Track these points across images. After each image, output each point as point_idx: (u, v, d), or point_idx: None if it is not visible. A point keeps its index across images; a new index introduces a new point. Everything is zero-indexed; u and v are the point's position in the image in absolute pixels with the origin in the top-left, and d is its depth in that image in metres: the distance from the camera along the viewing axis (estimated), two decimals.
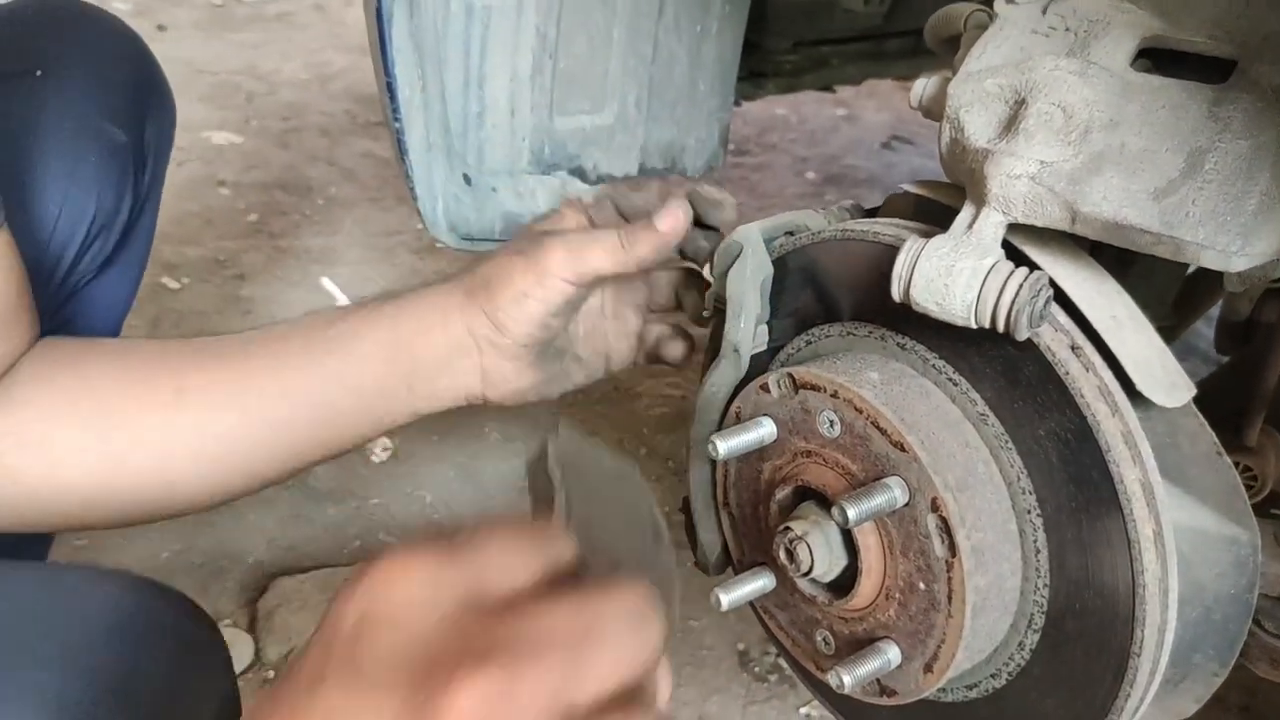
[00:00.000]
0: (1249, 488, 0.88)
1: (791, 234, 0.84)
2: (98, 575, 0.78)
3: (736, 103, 1.52)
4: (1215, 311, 1.03)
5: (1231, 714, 1.32)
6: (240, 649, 1.40)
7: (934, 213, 0.76)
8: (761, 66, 1.62)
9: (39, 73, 1.00)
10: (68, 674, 0.62)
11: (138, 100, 1.10)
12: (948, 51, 0.82)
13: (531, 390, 0.94)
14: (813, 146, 2.99)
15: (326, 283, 2.22)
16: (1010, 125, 0.66)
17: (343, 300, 2.14)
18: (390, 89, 1.13)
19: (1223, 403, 0.93)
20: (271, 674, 1.37)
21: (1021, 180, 0.64)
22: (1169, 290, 0.90)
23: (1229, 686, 0.75)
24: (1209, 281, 0.94)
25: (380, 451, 1.76)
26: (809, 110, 3.18)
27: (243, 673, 1.37)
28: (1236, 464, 0.89)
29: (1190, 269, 0.91)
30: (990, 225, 0.66)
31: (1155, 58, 0.69)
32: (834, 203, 0.87)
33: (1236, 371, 0.94)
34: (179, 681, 0.67)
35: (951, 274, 0.65)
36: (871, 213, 0.86)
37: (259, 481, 0.91)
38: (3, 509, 0.83)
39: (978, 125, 0.68)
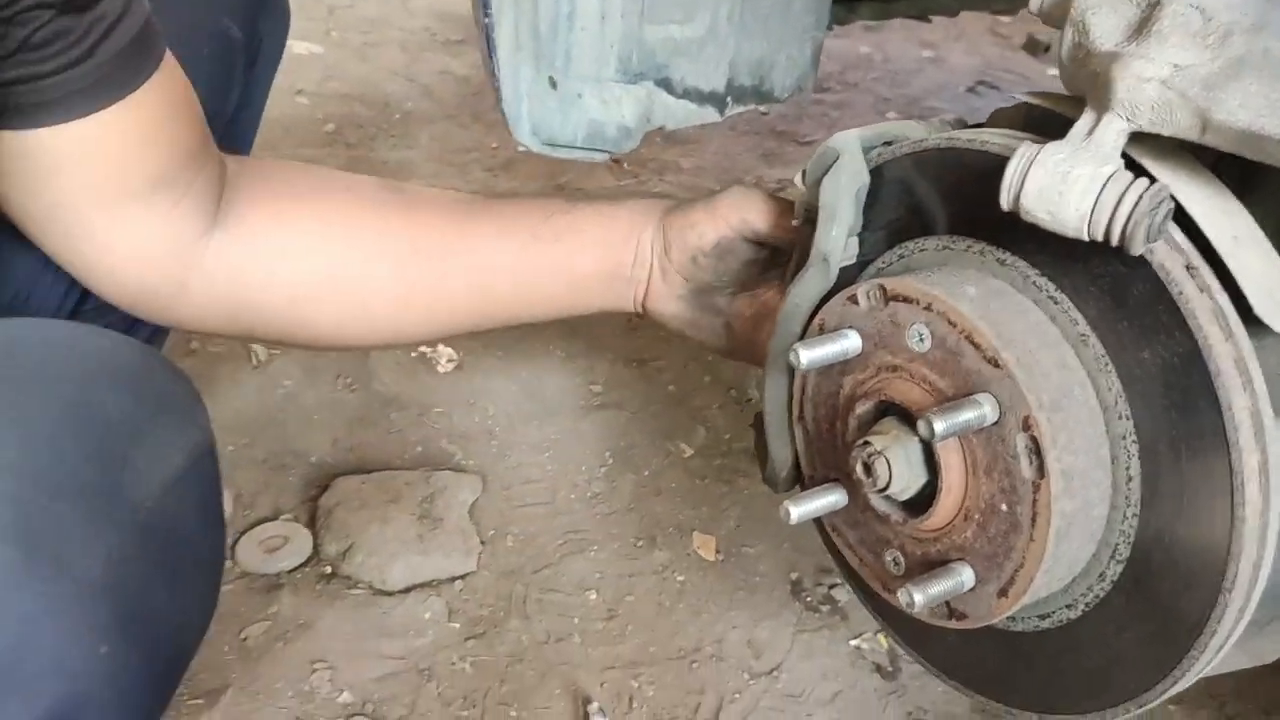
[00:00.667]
0: None
1: (890, 144, 0.82)
2: (61, 323, 0.85)
3: (829, 25, 1.47)
4: None
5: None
6: (299, 543, 1.42)
7: (1047, 125, 0.72)
8: None
9: None
10: (27, 397, 0.61)
11: (253, 2, 1.10)
12: None
13: (674, 321, 1.01)
14: (896, 87, 2.91)
15: None
16: (1141, 28, 0.63)
17: None
18: None
19: None
20: (329, 569, 1.39)
21: (1151, 84, 0.61)
22: None
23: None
24: None
25: (445, 362, 1.77)
26: (894, 49, 3.09)
27: (300, 566, 1.40)
28: None
29: None
30: (1112, 132, 0.63)
31: None
32: (944, 117, 0.83)
33: None
34: (142, 422, 0.66)
35: (1067, 181, 0.62)
36: (976, 127, 0.83)
37: (448, 334, 1.08)
38: (225, 319, 0.93)
39: (1105, 27, 0.65)
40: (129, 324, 1.12)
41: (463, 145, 2.45)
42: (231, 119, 1.10)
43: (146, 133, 0.84)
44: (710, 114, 1.31)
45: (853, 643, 1.34)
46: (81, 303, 1.02)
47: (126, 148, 0.83)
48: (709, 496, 1.54)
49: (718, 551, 1.46)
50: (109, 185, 0.84)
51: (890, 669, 1.31)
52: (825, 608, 1.39)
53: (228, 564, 1.39)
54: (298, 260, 0.93)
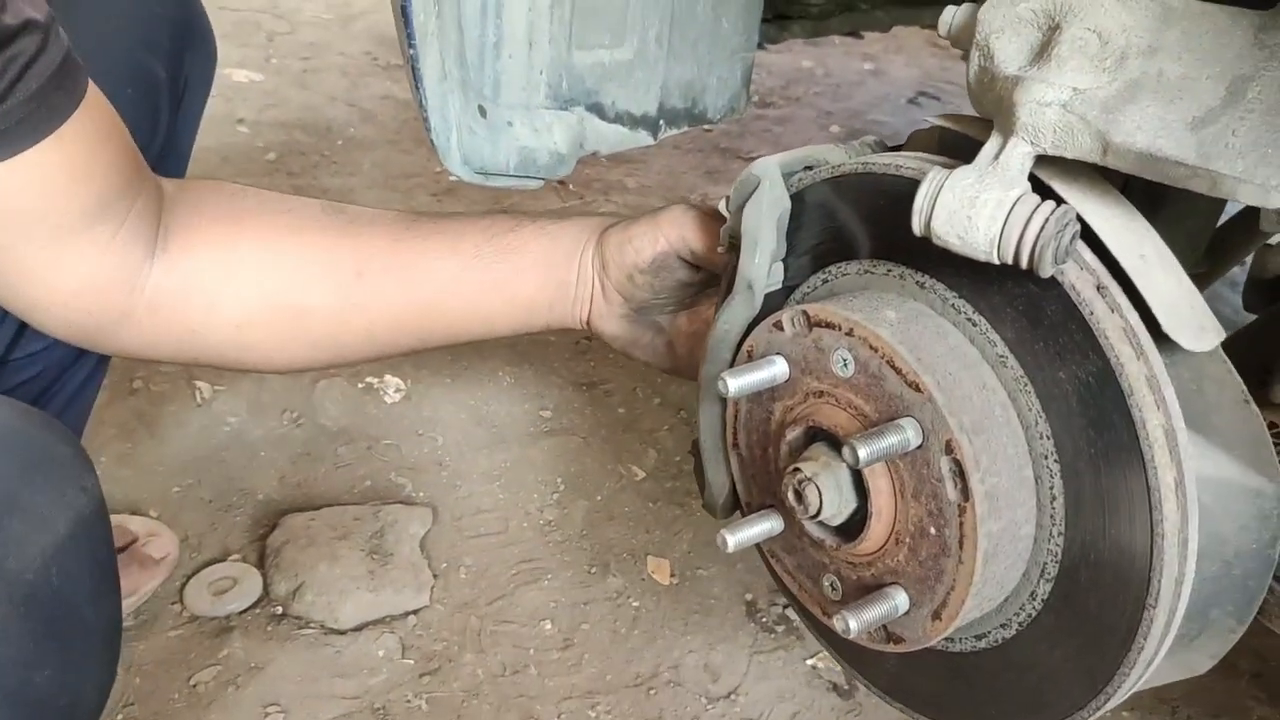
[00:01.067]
0: (1275, 446, 0.86)
1: (811, 168, 0.82)
2: None
3: (761, 45, 1.48)
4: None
5: (1243, 680, 1.31)
6: (249, 584, 1.40)
7: (960, 148, 0.73)
8: (787, 9, 1.57)
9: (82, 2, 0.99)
10: None
11: (178, 37, 1.10)
12: None
13: (617, 340, 1.01)
14: (838, 100, 2.94)
15: None
16: (1042, 52, 0.63)
17: None
18: (405, 15, 1.09)
19: (1249, 360, 0.90)
20: (279, 610, 1.37)
21: (1052, 108, 0.61)
22: (1201, 235, 0.87)
23: (1238, 651, 0.73)
24: (1243, 228, 0.90)
25: (393, 392, 1.76)
26: (835, 63, 3.12)
27: (250, 608, 1.38)
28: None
29: (1223, 216, 0.88)
30: (1017, 156, 0.63)
31: None
32: (864, 139, 0.84)
33: (1263, 328, 0.91)
34: (18, 487, 0.64)
35: (975, 205, 0.62)
36: (895, 149, 0.84)
37: (394, 353, 1.03)
38: (172, 347, 0.92)
39: (1008, 52, 0.65)
40: (75, 355, 1.10)
41: (405, 170, 2.44)
42: (159, 157, 1.09)
43: (78, 167, 0.83)
44: (644, 137, 1.30)
45: (808, 662, 1.34)
46: (17, 338, 1.01)
47: (59, 184, 0.82)
48: (661, 520, 1.54)
49: (672, 575, 1.46)
50: (46, 224, 0.83)
51: (846, 687, 1.31)
52: (780, 628, 1.39)
53: (175, 608, 1.37)
54: (239, 284, 0.92)
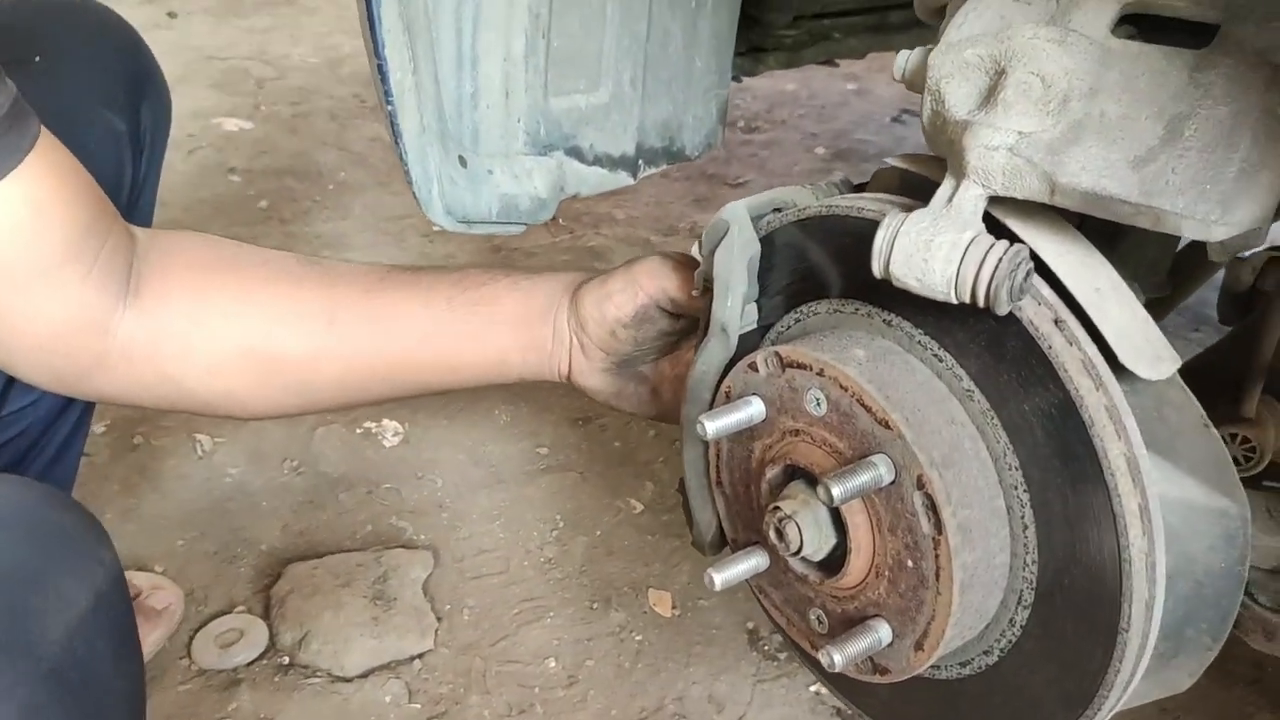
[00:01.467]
0: (1248, 459, 0.87)
1: (779, 210, 0.84)
2: None
3: (736, 79, 1.50)
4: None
5: (1240, 687, 1.31)
6: (255, 635, 1.41)
7: (919, 187, 0.75)
8: (761, 41, 1.60)
9: (38, 59, 1.01)
10: None
11: (133, 89, 1.11)
12: (937, 22, 0.81)
13: (600, 394, 1.02)
14: (822, 122, 2.97)
15: None
16: (990, 96, 0.65)
17: None
18: (381, 71, 1.12)
19: (1223, 373, 0.91)
20: (286, 659, 1.38)
21: (999, 152, 0.63)
22: (1162, 261, 0.89)
23: (1236, 660, 0.74)
24: (1204, 250, 0.92)
25: (391, 436, 1.77)
26: (819, 85, 3.15)
27: (257, 659, 1.39)
28: (1235, 435, 0.88)
29: (1182, 241, 0.90)
30: (970, 198, 0.65)
31: (1137, 23, 0.68)
32: (831, 179, 0.86)
33: (1237, 342, 0.93)
34: (39, 565, 0.65)
35: (930, 248, 0.64)
36: (860, 188, 0.86)
37: (367, 402, 1.05)
38: (150, 393, 0.94)
39: (958, 96, 0.67)
40: (59, 411, 1.11)
41: (396, 213, 2.47)
42: (126, 208, 1.10)
43: (41, 206, 0.84)
44: (623, 178, 1.33)
45: (811, 688, 1.35)
46: (6, 392, 1.02)
47: (25, 222, 0.83)
48: (661, 552, 1.55)
49: (674, 607, 1.47)
50: (16, 266, 0.84)
51: (850, 712, 1.32)
52: (783, 655, 1.40)
53: (184, 662, 1.38)
54: (211, 330, 0.93)
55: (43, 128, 0.84)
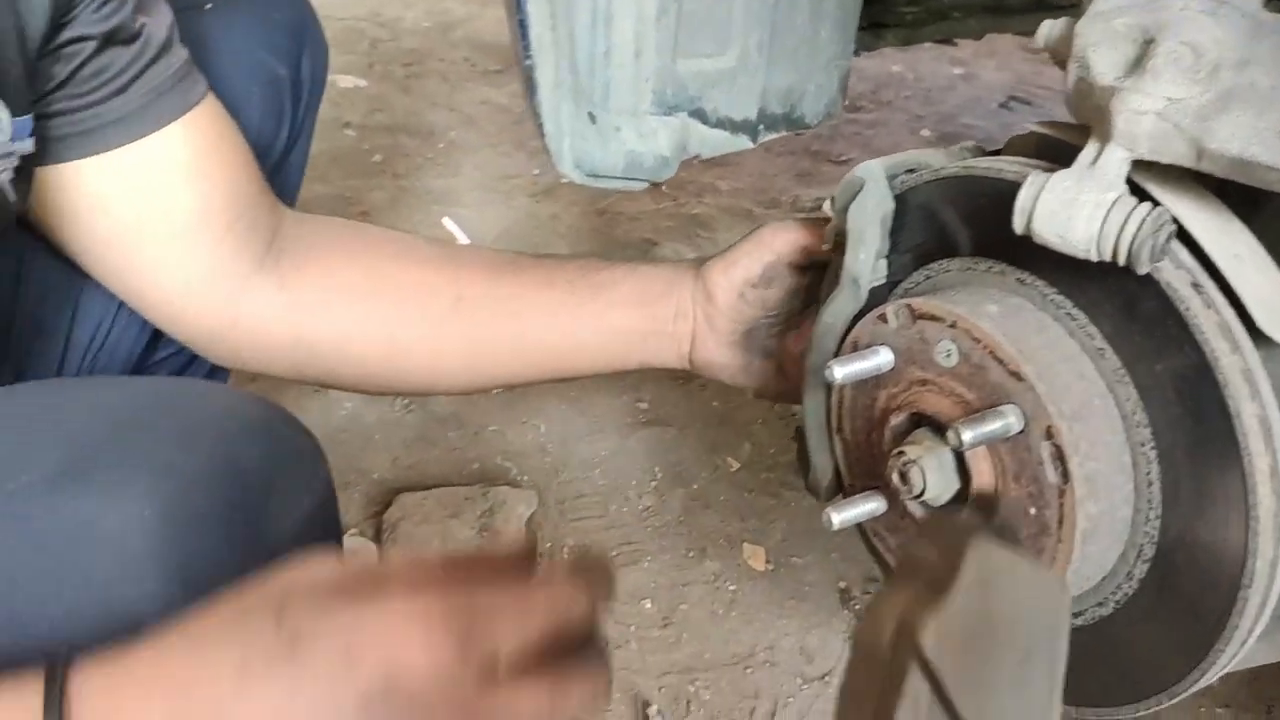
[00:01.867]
0: None
1: (913, 171, 0.86)
2: (203, 382, 0.92)
3: (856, 53, 1.52)
4: None
5: None
6: (367, 557, 1.49)
7: (1058, 152, 0.77)
8: (882, 17, 1.61)
9: (209, 5, 1.07)
10: (180, 449, 0.67)
11: (295, 38, 1.17)
12: None
13: (725, 370, 1.01)
14: (929, 105, 2.95)
15: (448, 222, 2.29)
16: (1137, 64, 0.67)
17: (463, 239, 2.21)
18: (523, 26, 1.17)
19: None
20: None
21: (1148, 117, 0.65)
22: None
23: None
24: None
25: None
26: (926, 68, 3.13)
27: None
28: None
29: None
30: (1114, 161, 0.67)
31: None
32: (964, 144, 0.88)
33: None
34: (275, 472, 0.71)
35: (1074, 207, 0.67)
36: (994, 154, 0.88)
37: (490, 386, 1.09)
38: (283, 362, 0.98)
39: (1105, 63, 0.69)
40: (190, 361, 1.19)
41: (505, 172, 2.53)
42: (284, 153, 1.16)
43: (189, 167, 0.89)
44: (744, 142, 1.36)
45: None
46: (156, 340, 1.09)
47: (168, 182, 0.88)
48: (757, 509, 1.59)
49: (767, 562, 1.51)
50: (153, 221, 0.89)
51: None
52: None
53: None
54: (346, 306, 0.98)
55: (209, 94, 0.90)
